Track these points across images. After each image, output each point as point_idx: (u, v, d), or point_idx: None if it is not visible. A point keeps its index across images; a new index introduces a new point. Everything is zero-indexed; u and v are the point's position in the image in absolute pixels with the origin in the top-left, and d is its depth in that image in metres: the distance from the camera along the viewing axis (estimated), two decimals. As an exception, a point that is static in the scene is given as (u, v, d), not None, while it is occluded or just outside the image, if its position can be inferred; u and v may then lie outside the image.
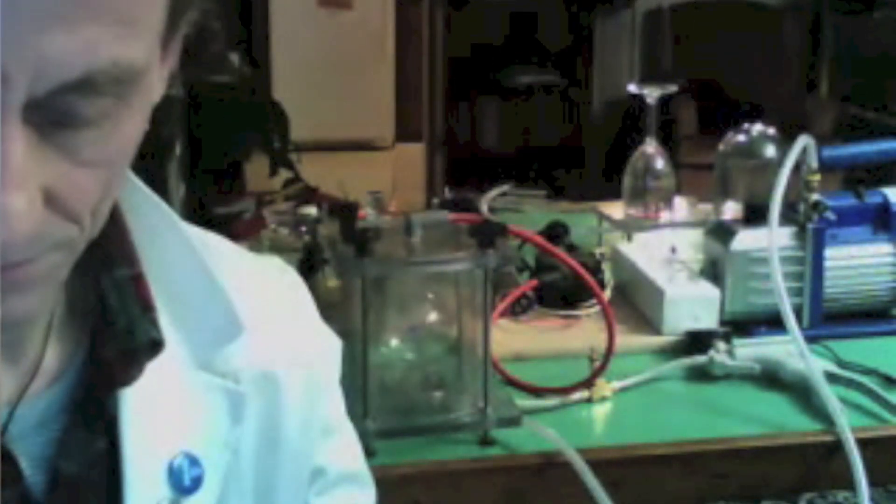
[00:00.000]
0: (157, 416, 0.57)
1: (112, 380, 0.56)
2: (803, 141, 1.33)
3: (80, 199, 0.46)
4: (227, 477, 0.60)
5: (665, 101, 1.71)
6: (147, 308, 0.57)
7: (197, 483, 0.58)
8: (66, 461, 0.54)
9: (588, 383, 1.22)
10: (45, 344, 0.55)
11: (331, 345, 0.70)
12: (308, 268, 1.42)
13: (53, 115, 0.43)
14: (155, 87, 0.49)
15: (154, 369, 0.57)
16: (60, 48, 0.41)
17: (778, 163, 1.40)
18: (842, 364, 1.28)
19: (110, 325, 0.56)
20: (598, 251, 1.59)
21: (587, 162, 4.52)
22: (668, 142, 2.01)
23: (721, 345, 1.27)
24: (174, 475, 0.57)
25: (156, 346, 0.57)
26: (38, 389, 0.55)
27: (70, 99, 0.43)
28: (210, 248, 0.63)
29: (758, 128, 1.68)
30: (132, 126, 0.47)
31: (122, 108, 0.45)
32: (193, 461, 0.58)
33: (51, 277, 0.48)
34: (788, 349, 1.22)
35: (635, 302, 1.45)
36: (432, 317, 1.16)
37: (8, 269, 0.45)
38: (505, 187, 2.02)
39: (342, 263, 1.12)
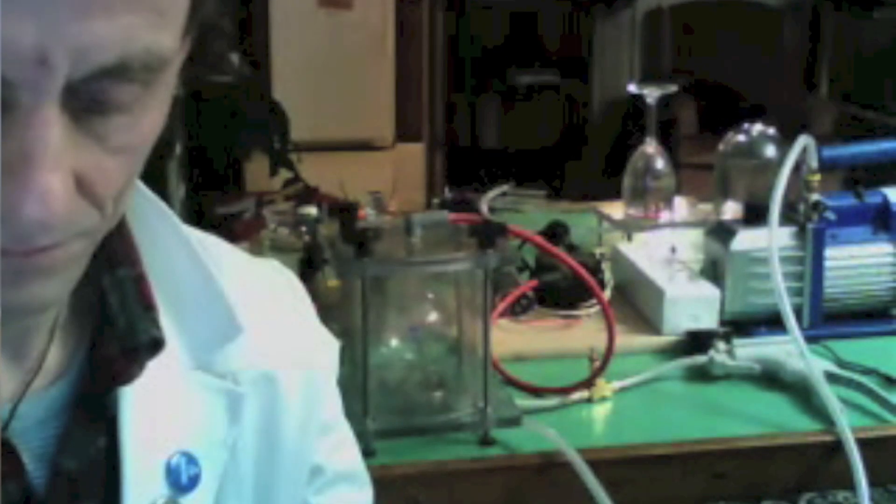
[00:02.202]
0: (157, 414, 0.58)
1: (113, 378, 0.56)
2: (803, 141, 1.34)
3: (106, 185, 0.47)
4: (225, 476, 0.61)
5: (665, 101, 1.71)
6: (148, 307, 0.58)
7: (194, 481, 0.59)
8: (67, 458, 0.55)
9: (588, 383, 1.22)
10: (50, 342, 0.56)
11: (329, 346, 0.71)
12: (308, 268, 1.42)
13: (87, 100, 0.45)
14: (175, 78, 0.50)
15: (154, 369, 0.57)
16: (100, 33, 0.43)
17: (778, 163, 1.40)
18: (842, 364, 1.28)
19: (111, 323, 0.57)
20: (598, 251, 1.58)
21: (587, 162, 4.51)
22: (668, 142, 2.01)
23: (721, 345, 1.27)
24: (172, 473, 0.58)
25: (156, 344, 0.57)
26: (41, 387, 0.55)
27: (104, 84, 0.45)
28: (209, 250, 0.63)
29: (758, 128, 1.68)
30: (156, 115, 0.49)
31: (148, 96, 0.47)
32: (191, 460, 0.59)
33: (72, 265, 0.49)
34: (788, 349, 1.22)
35: (635, 302, 1.45)
36: (432, 317, 1.16)
37: (34, 254, 0.46)
38: (505, 187, 2.02)
39: (342, 263, 1.12)
